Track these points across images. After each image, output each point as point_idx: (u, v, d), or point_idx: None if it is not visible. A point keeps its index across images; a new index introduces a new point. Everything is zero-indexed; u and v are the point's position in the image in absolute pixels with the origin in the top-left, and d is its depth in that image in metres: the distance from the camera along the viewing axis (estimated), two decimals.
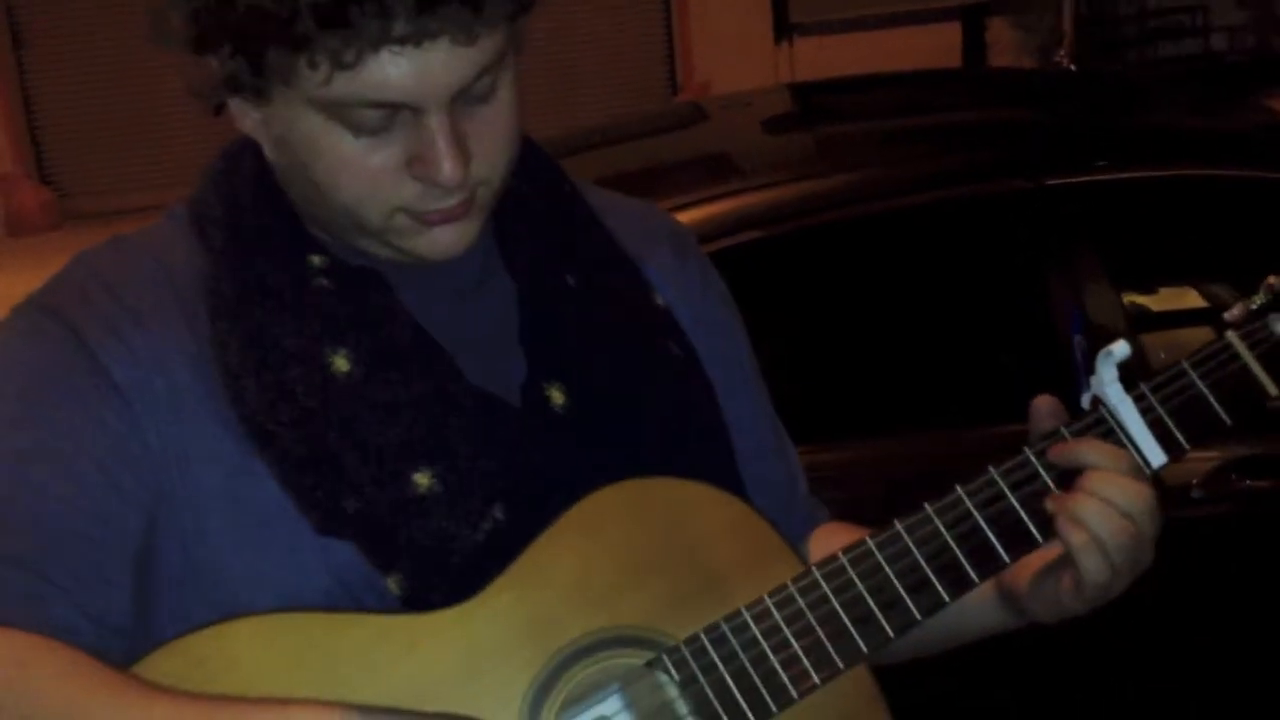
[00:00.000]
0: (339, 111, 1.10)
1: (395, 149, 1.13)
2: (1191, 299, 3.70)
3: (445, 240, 1.18)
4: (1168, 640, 2.80)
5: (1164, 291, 3.75)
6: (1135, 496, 1.19)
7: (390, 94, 1.09)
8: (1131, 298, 3.44)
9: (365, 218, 1.16)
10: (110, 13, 8.49)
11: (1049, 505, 1.21)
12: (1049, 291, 2.85)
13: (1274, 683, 2.87)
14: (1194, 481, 2.72)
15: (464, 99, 1.12)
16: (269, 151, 1.19)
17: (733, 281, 1.44)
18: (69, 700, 1.03)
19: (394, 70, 1.07)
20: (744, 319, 1.44)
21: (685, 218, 2.62)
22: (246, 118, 1.17)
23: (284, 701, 1.05)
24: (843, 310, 3.02)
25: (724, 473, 1.28)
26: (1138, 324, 3.14)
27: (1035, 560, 1.24)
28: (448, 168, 1.12)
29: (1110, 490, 1.19)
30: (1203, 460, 2.72)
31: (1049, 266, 2.87)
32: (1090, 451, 1.21)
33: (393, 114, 1.11)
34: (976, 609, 1.30)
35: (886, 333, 3.01)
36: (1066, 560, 1.21)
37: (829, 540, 1.33)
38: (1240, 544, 2.82)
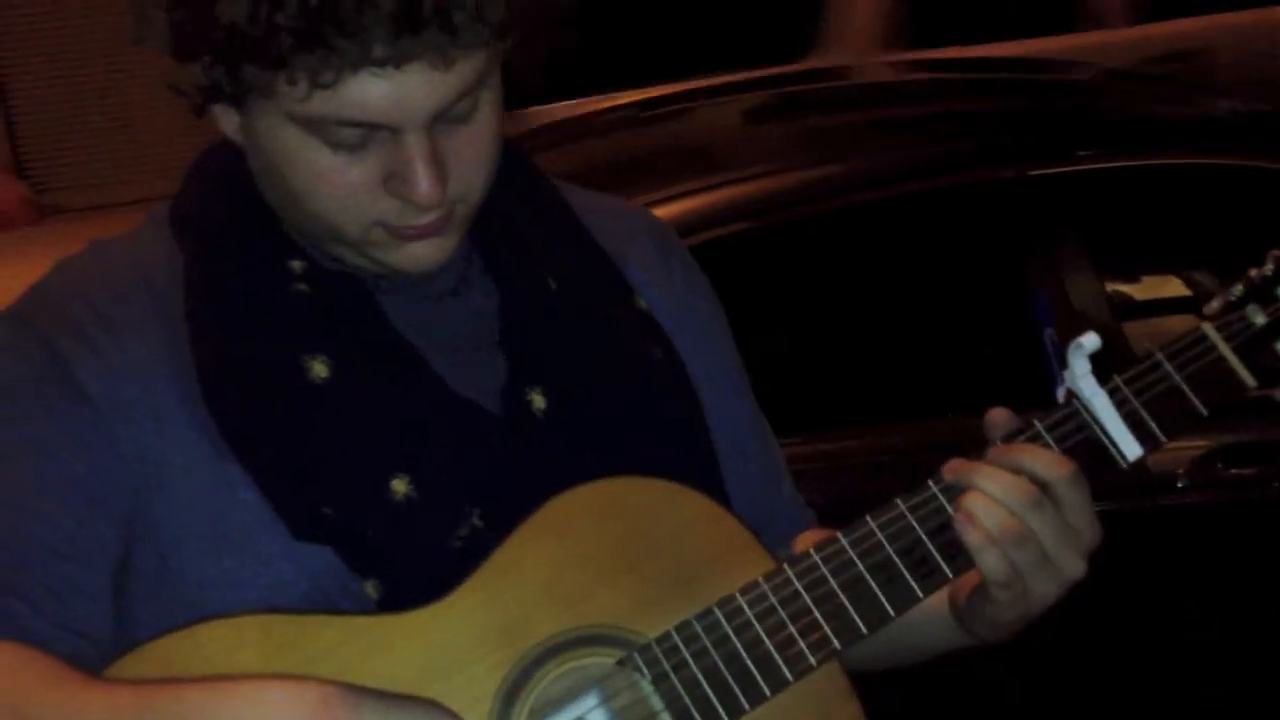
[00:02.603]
0: (317, 127, 1.09)
1: (372, 166, 1.12)
2: (1175, 288, 3.70)
3: (422, 254, 1.17)
4: (1154, 628, 2.80)
5: (1147, 280, 3.75)
6: (1015, 492, 1.16)
7: (368, 114, 1.08)
8: (1115, 287, 3.44)
9: (342, 229, 1.15)
10: (88, 7, 8.45)
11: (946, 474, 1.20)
12: (1032, 280, 2.85)
13: (1263, 670, 2.87)
14: (1180, 470, 2.72)
15: (443, 119, 1.11)
16: (249, 156, 1.19)
17: (715, 275, 1.43)
18: (10, 698, 1.03)
19: (373, 91, 1.07)
20: (726, 312, 1.43)
21: (666, 211, 2.61)
22: (228, 122, 1.16)
23: (260, 679, 1.04)
24: (826, 302, 3.01)
25: (706, 475, 1.27)
26: (1121, 313, 3.13)
27: (976, 576, 1.22)
28: (425, 187, 1.11)
29: (993, 486, 1.17)
30: (1188, 449, 2.72)
31: (1033, 256, 2.87)
32: (976, 473, 1.19)
33: (370, 132, 1.10)
34: (936, 624, 1.29)
35: (870, 324, 3.01)
36: None
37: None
38: (1226, 532, 2.82)
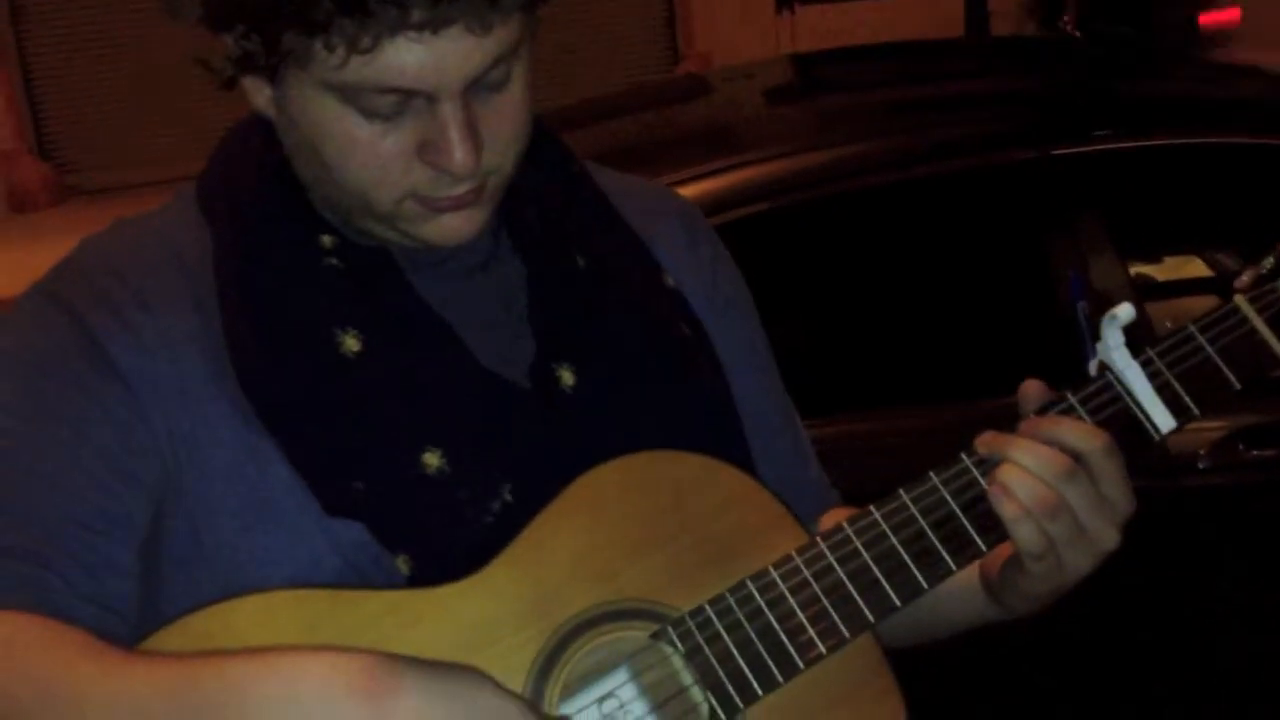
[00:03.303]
0: (352, 95, 1.09)
1: (407, 134, 1.12)
2: (1196, 268, 3.69)
3: (454, 226, 1.17)
4: (1174, 610, 2.80)
5: (1169, 261, 3.75)
6: (1050, 463, 1.16)
7: (405, 80, 1.08)
8: (1136, 267, 3.44)
9: (375, 201, 1.15)
10: None
11: (979, 446, 1.20)
12: (1054, 261, 2.84)
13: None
14: (1201, 451, 2.72)
15: (478, 87, 1.11)
16: (280, 130, 1.18)
17: (735, 255, 1.44)
18: (51, 670, 1.02)
19: (409, 57, 1.07)
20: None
21: (688, 191, 2.61)
22: (259, 95, 1.16)
23: (301, 651, 1.03)
24: (847, 283, 3.01)
25: (733, 453, 1.27)
26: (1143, 293, 3.13)
27: (1008, 548, 1.23)
28: (460, 156, 1.11)
29: (1027, 458, 1.17)
30: (1210, 430, 2.72)
31: (1054, 236, 2.86)
32: (1011, 445, 1.19)
33: (406, 100, 1.10)
34: (966, 597, 1.29)
35: (891, 305, 3.01)
36: None
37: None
38: (1248, 513, 2.82)
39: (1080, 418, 1.22)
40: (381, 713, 0.98)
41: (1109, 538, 1.19)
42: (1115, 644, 2.78)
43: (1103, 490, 1.18)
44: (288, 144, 1.19)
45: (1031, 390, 1.24)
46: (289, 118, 1.15)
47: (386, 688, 0.99)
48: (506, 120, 1.15)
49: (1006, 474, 1.17)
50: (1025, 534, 1.17)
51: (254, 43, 1.08)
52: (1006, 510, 1.17)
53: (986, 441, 1.21)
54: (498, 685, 1.03)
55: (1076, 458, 1.18)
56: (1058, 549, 1.18)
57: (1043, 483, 1.16)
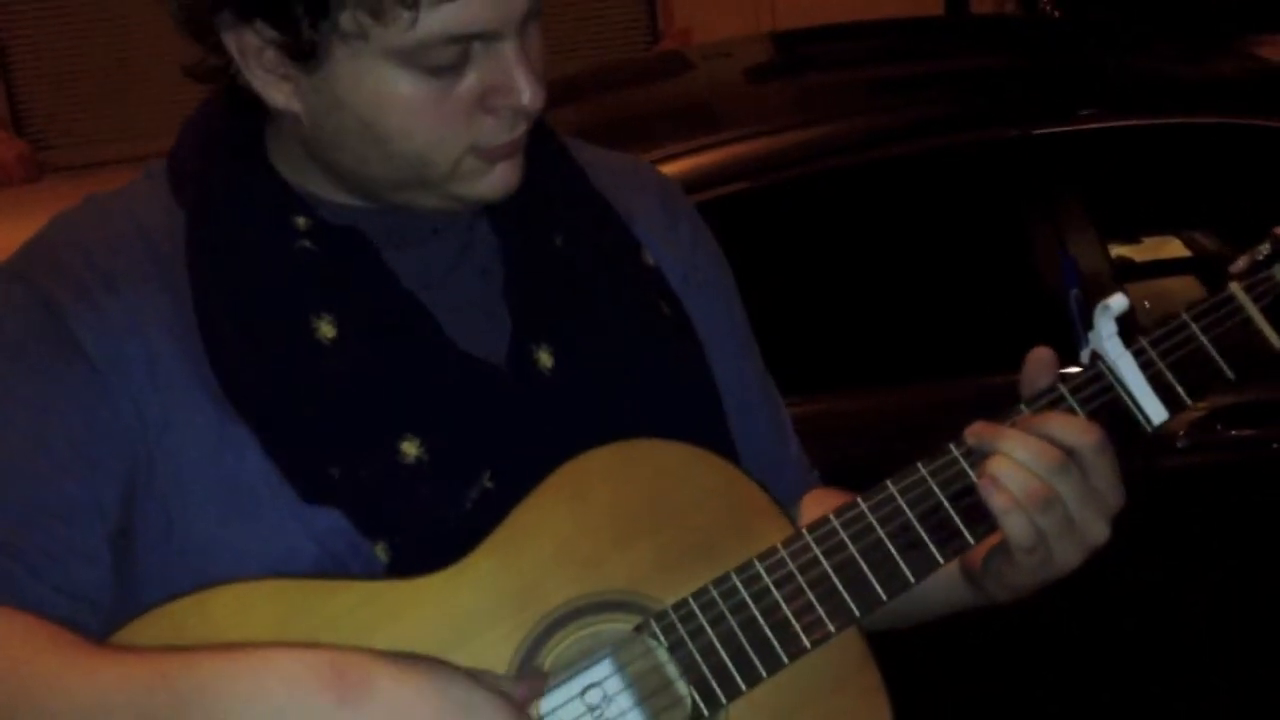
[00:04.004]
0: (415, 56, 1.08)
1: (471, 83, 1.11)
2: (1175, 249, 3.69)
3: (506, 177, 1.18)
4: (1152, 589, 2.81)
5: (1148, 241, 3.74)
6: (1041, 456, 1.15)
7: (475, 23, 1.08)
8: (1116, 248, 3.43)
9: (434, 165, 1.14)
10: None
11: (968, 437, 1.19)
12: (1036, 241, 2.84)
13: (1260, 631, 2.88)
14: (1180, 432, 2.72)
15: (529, 18, 1.12)
16: (314, 118, 1.14)
17: (717, 234, 1.42)
18: (14, 660, 1.01)
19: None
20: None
21: (668, 169, 2.59)
22: (276, 92, 1.13)
23: (271, 648, 1.02)
24: (828, 261, 3.00)
25: (714, 434, 1.26)
26: (1122, 274, 3.13)
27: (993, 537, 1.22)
28: (530, 91, 1.12)
29: (1019, 451, 1.15)
30: (1189, 410, 2.72)
31: (1035, 216, 2.86)
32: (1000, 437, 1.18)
33: (467, 48, 1.10)
34: (944, 584, 1.28)
35: (872, 283, 3.00)
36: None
37: (820, 505, 1.31)
38: (1226, 493, 2.82)
39: (1071, 410, 1.20)
40: (352, 710, 0.98)
41: (1099, 531, 1.18)
42: (1092, 624, 2.79)
43: (1093, 483, 1.17)
44: (323, 131, 1.15)
45: (1040, 357, 1.22)
46: (333, 100, 1.12)
47: (357, 685, 0.99)
48: (540, 51, 1.15)
49: (997, 465, 1.16)
50: (1016, 526, 1.15)
51: (303, 27, 1.07)
52: (997, 502, 1.15)
53: (976, 433, 1.19)
54: (472, 680, 1.03)
55: (1069, 451, 1.16)
56: (1048, 541, 1.16)
57: (1034, 475, 1.15)
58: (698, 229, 1.39)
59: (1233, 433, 2.76)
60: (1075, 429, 1.17)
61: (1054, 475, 1.15)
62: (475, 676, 1.04)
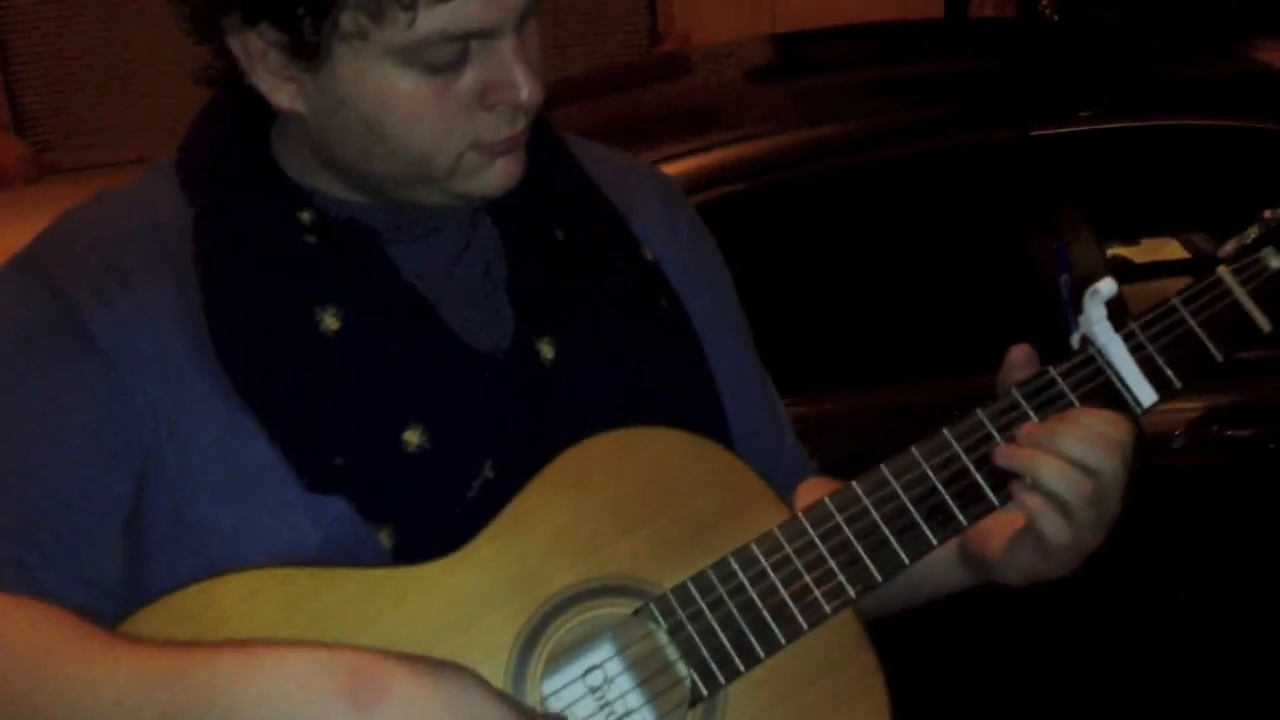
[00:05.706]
0: (415, 54, 1.10)
1: (470, 80, 1.13)
2: (1173, 250, 3.70)
3: (508, 171, 1.20)
4: (1148, 591, 2.82)
5: (1146, 243, 3.75)
6: (1075, 487, 1.17)
7: (473, 21, 1.10)
8: (1114, 249, 3.45)
9: (436, 162, 1.16)
10: None
11: (1000, 460, 1.19)
12: (1033, 242, 2.85)
13: (1257, 631, 2.89)
14: (1176, 431, 2.73)
15: (526, 15, 1.14)
16: (318, 117, 1.17)
17: (716, 234, 1.44)
18: (35, 652, 1.02)
19: None
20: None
21: (668, 169, 2.59)
22: (279, 93, 1.16)
23: (280, 648, 1.03)
24: (827, 262, 3.01)
25: (712, 426, 1.28)
26: (1120, 275, 3.13)
27: (1005, 525, 1.23)
28: (529, 86, 1.14)
29: (1074, 449, 1.17)
30: (1185, 410, 2.73)
31: (1033, 217, 2.87)
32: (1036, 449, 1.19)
33: (465, 46, 1.11)
34: (940, 567, 1.30)
35: (871, 285, 3.01)
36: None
37: (817, 493, 1.33)
38: (1222, 493, 2.83)
39: (1069, 403, 1.22)
40: (366, 715, 0.99)
41: (1096, 539, 1.22)
42: (1089, 623, 2.79)
43: (1107, 506, 1.20)
44: (328, 130, 1.17)
45: (1018, 356, 1.24)
46: (336, 100, 1.14)
47: (372, 689, 1.00)
48: (538, 48, 1.17)
49: (1040, 467, 1.17)
50: (1049, 526, 1.18)
51: (305, 29, 1.09)
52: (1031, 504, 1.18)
53: (1007, 455, 1.19)
54: (486, 686, 1.05)
55: (1088, 472, 1.17)
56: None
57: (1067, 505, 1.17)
58: (695, 226, 1.41)
59: (1229, 433, 2.77)
60: (1100, 453, 1.18)
61: (1083, 507, 1.18)
62: (493, 689, 1.05)
